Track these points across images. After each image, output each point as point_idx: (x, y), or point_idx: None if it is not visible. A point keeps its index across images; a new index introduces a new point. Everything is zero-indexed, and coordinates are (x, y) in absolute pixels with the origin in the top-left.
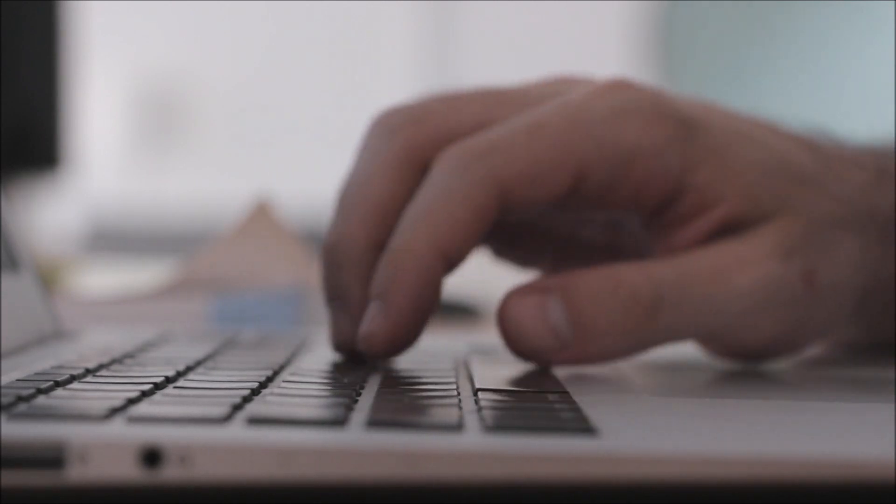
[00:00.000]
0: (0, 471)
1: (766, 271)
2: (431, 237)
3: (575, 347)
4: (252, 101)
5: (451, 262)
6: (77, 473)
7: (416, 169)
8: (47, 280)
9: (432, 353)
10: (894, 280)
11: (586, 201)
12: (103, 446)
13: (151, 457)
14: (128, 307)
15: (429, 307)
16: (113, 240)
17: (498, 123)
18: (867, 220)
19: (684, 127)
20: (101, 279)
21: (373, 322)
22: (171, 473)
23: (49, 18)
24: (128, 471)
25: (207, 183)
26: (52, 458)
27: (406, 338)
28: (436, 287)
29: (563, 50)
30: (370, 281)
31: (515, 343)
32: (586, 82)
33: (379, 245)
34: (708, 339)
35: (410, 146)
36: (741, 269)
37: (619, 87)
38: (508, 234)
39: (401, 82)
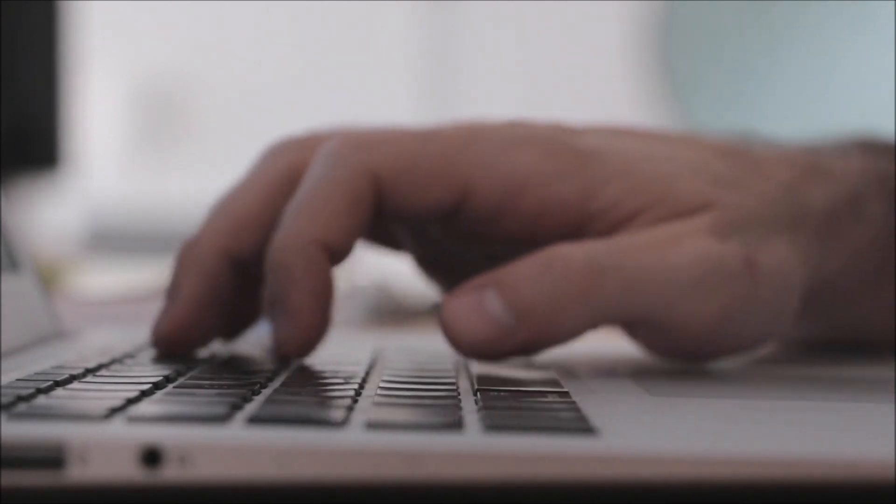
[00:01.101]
0: (0, 471)
1: (704, 246)
2: (309, 227)
3: (521, 331)
4: (252, 102)
5: (335, 252)
6: (77, 473)
7: (296, 186)
8: (47, 280)
9: (432, 353)
10: (840, 278)
11: (477, 223)
12: (103, 446)
13: (151, 457)
14: (128, 307)
15: (328, 298)
16: (113, 240)
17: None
18: (798, 218)
19: (580, 156)
20: (101, 279)
21: (281, 331)
22: (171, 473)
23: (49, 18)
24: (128, 471)
25: (207, 183)
26: (52, 458)
27: (317, 333)
28: (326, 279)
29: (563, 50)
30: (206, 284)
31: (457, 341)
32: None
33: (230, 254)
34: (651, 319)
35: (291, 166)
36: (678, 243)
37: (517, 123)
38: (452, 270)
39: (400, 83)
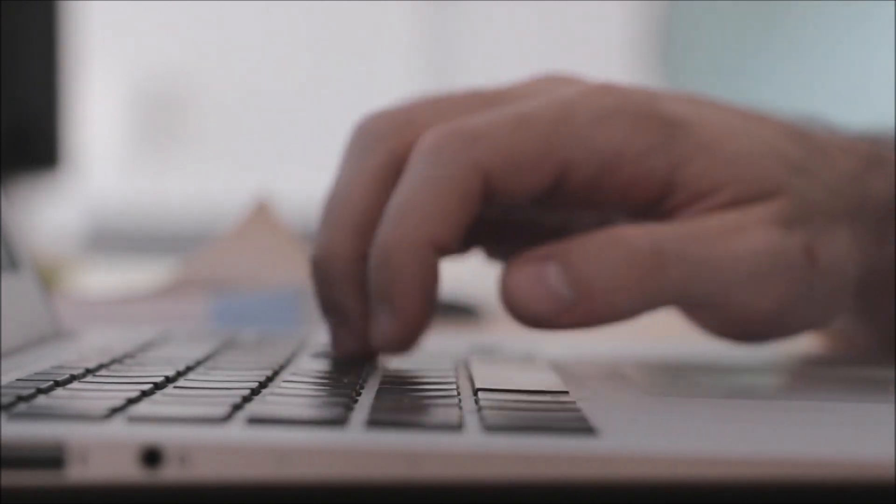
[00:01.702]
0: (0, 471)
1: (768, 237)
2: (421, 228)
3: (580, 308)
4: (252, 101)
5: (443, 251)
6: (77, 473)
7: (396, 176)
8: (47, 280)
9: (432, 353)
10: (892, 272)
11: (570, 199)
12: (103, 446)
13: (151, 457)
14: (128, 307)
15: (432, 299)
16: (113, 240)
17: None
18: (858, 209)
19: (670, 127)
20: (101, 279)
21: (383, 327)
22: (171, 473)
23: (49, 18)
24: (128, 471)
25: (207, 183)
26: (52, 458)
27: (417, 333)
28: (434, 278)
29: (563, 50)
30: (362, 291)
31: (517, 311)
32: (575, 82)
33: (365, 256)
34: (710, 305)
35: (393, 154)
36: (742, 233)
37: (605, 90)
38: (499, 233)
39: (401, 82)
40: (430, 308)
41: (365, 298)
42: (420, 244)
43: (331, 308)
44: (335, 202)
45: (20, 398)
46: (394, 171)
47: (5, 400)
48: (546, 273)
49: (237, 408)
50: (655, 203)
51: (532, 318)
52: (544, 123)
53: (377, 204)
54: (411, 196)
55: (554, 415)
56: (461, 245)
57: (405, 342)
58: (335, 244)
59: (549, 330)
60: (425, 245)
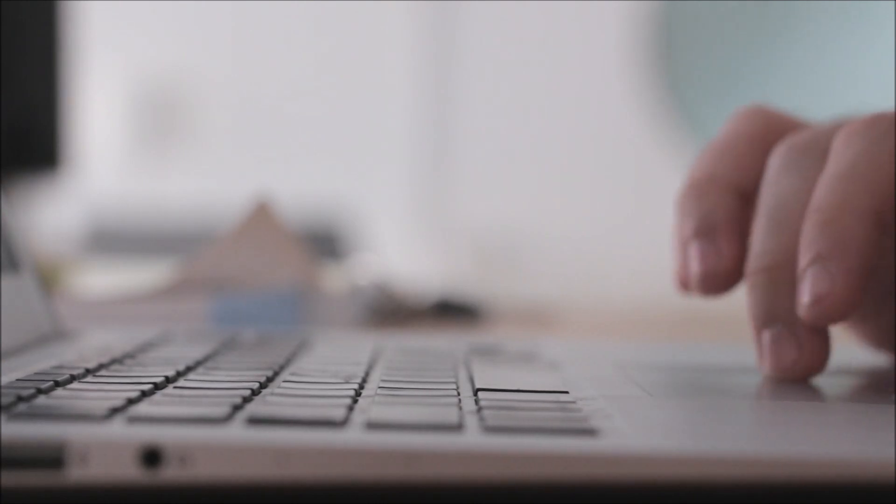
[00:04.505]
0: (0, 471)
1: None
2: (867, 198)
3: None
4: (252, 102)
5: (882, 226)
6: (77, 473)
7: (765, 146)
8: (47, 280)
9: (432, 353)
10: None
11: None
12: (103, 446)
13: (151, 457)
14: (128, 307)
15: (869, 270)
16: (113, 240)
17: None
18: None
19: None
20: (101, 279)
21: (821, 284)
22: (171, 473)
23: (49, 18)
24: (128, 471)
25: (207, 183)
26: (52, 458)
27: (854, 301)
28: (874, 249)
29: (563, 50)
30: (735, 219)
31: None
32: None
33: (740, 190)
34: None
35: (769, 126)
36: None
37: None
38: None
39: (401, 82)
40: (866, 276)
41: (735, 224)
42: (866, 211)
43: (702, 228)
44: (711, 145)
45: (20, 398)
46: (764, 139)
47: (5, 400)
48: None
49: (237, 408)
50: None
51: None
52: None
53: (749, 150)
54: (850, 167)
55: (554, 415)
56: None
57: (842, 305)
58: (716, 168)
59: None
60: (869, 213)
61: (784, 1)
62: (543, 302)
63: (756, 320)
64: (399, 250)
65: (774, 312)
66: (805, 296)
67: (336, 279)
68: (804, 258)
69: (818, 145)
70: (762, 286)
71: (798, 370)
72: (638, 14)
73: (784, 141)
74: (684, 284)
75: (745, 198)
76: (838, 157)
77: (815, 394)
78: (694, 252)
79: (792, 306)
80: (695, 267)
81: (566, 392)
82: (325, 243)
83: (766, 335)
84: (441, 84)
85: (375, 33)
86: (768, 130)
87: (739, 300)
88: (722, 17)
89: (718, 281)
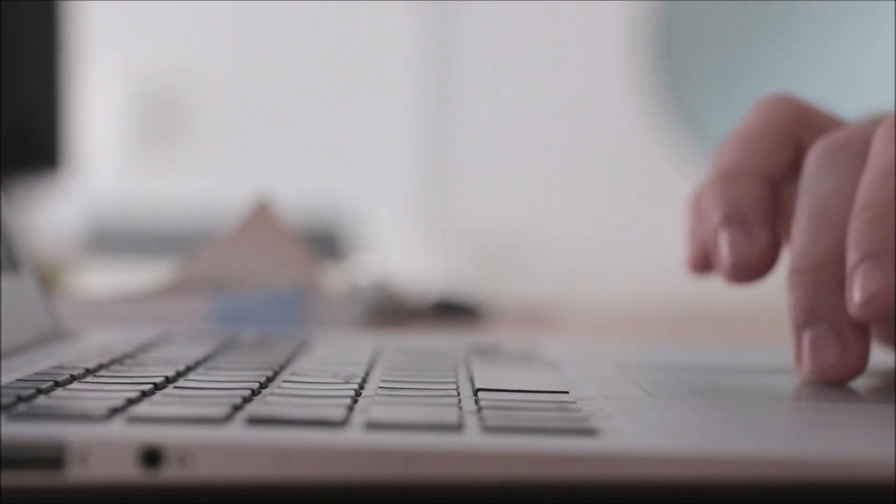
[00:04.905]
0: (0, 471)
1: None
2: None
3: None
4: (252, 102)
5: None
6: (77, 473)
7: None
8: (47, 280)
9: (432, 353)
10: None
11: None
12: (103, 446)
13: (151, 457)
14: (128, 307)
15: None
16: (113, 240)
17: None
18: None
19: None
20: (101, 279)
21: (872, 282)
22: (171, 473)
23: (49, 18)
24: (128, 471)
25: (207, 183)
26: (52, 458)
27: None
28: None
29: (563, 50)
30: (766, 207)
31: None
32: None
33: (770, 178)
34: None
35: (792, 116)
36: None
37: None
38: None
39: (401, 82)
40: None
41: (769, 211)
42: None
43: (734, 216)
44: (736, 131)
45: (20, 398)
46: (788, 128)
47: (5, 400)
48: None
49: (237, 408)
50: None
51: None
52: None
53: (777, 139)
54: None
55: (554, 415)
56: None
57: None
58: (746, 157)
59: None
60: None
61: (784, 1)
62: (543, 302)
63: (797, 320)
64: (399, 250)
65: (817, 312)
66: (856, 294)
67: (336, 279)
68: (853, 256)
69: (856, 143)
70: (805, 285)
71: (840, 371)
72: (638, 14)
73: (821, 140)
74: (698, 267)
75: (773, 187)
76: (881, 153)
77: (815, 394)
78: (724, 240)
79: (836, 306)
80: (725, 255)
81: (566, 392)
82: (325, 243)
83: (807, 335)
84: (441, 84)
85: (375, 33)
86: (795, 119)
87: (740, 300)
88: (722, 16)
89: (750, 269)
